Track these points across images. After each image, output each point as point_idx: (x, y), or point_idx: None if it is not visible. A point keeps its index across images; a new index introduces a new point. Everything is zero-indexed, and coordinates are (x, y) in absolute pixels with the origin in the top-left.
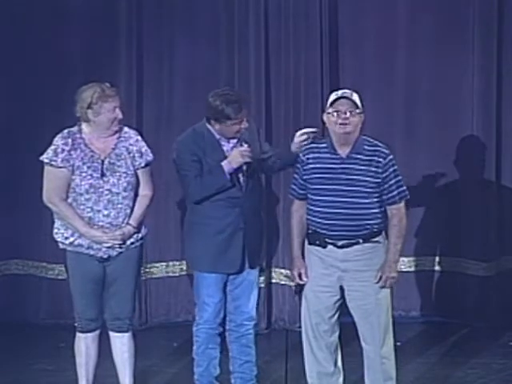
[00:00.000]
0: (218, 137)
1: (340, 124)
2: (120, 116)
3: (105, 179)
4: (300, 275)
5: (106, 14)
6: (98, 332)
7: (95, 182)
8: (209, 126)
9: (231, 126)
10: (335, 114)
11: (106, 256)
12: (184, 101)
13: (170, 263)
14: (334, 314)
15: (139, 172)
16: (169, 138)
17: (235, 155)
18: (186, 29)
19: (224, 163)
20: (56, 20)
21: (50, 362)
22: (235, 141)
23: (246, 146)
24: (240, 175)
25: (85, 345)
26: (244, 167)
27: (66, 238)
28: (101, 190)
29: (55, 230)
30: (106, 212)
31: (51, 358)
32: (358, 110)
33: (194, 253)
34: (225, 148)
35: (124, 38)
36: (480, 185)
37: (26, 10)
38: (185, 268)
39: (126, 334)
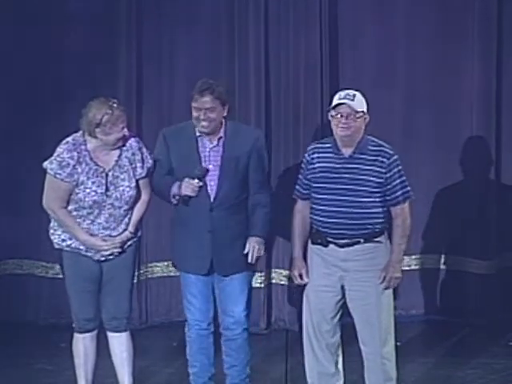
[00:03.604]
0: (197, 134)
1: (341, 127)
2: (126, 134)
3: (108, 194)
4: (301, 276)
5: (106, 14)
6: (95, 332)
7: (99, 199)
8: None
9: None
10: (338, 116)
11: (103, 259)
12: (184, 101)
13: (171, 262)
14: (335, 315)
15: (139, 181)
16: None
17: (186, 186)
18: (186, 29)
19: (174, 186)
20: (56, 21)
21: (50, 362)
22: (215, 142)
23: (196, 181)
24: (211, 183)
25: (83, 345)
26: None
27: (63, 241)
28: (103, 204)
29: (51, 231)
30: (106, 225)
31: (51, 358)
32: (359, 114)
33: (173, 251)
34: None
35: (124, 39)
36: (480, 183)
37: (25, 11)
38: None
39: (124, 334)
